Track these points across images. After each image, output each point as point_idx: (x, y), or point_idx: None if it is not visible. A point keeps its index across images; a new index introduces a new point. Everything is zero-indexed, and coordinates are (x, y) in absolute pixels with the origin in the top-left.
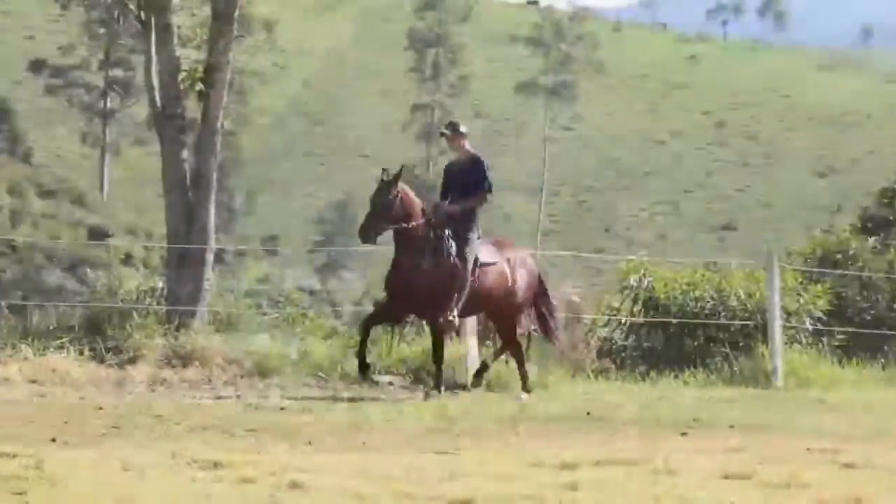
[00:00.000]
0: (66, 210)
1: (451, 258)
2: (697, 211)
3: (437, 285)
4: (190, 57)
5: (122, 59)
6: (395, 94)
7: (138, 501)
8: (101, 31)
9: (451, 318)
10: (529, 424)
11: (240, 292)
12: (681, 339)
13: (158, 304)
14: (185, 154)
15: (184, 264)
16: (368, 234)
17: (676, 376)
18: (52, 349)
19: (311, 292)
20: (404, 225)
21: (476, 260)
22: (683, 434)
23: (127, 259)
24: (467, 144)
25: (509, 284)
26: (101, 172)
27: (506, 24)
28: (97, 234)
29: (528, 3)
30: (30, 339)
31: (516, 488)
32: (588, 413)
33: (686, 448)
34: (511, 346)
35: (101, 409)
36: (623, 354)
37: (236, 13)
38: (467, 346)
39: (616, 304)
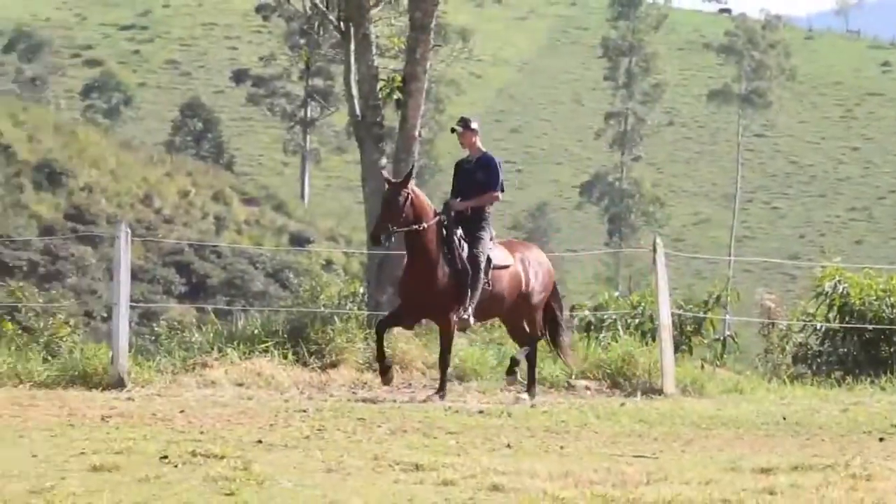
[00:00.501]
0: (268, 217)
1: (462, 259)
2: (892, 217)
3: (449, 286)
4: (388, 66)
5: (322, 68)
6: (588, 103)
7: (342, 503)
8: (302, 41)
9: (465, 316)
10: (726, 429)
11: None
12: (877, 345)
13: (359, 308)
14: (383, 161)
15: (383, 270)
16: (378, 236)
17: (873, 382)
18: (257, 353)
19: None
20: (415, 227)
21: (489, 261)
22: (881, 440)
23: (328, 265)
24: (479, 142)
25: (524, 287)
26: (302, 180)
27: (698, 33)
28: (299, 241)
29: (721, 11)
30: (235, 343)
31: (714, 493)
32: (784, 418)
33: (884, 454)
34: (522, 342)
35: (304, 411)
36: (818, 360)
37: (433, 23)
38: (662, 350)
39: (811, 310)
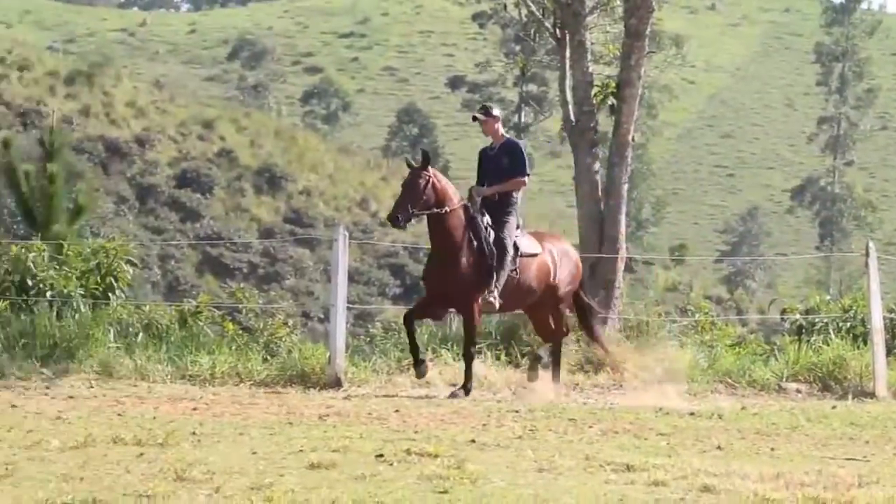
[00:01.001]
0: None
1: (489, 243)
2: None
3: (472, 274)
4: (602, 73)
5: (536, 74)
6: (800, 108)
7: (554, 502)
8: (517, 48)
9: (490, 299)
10: None
11: (649, 300)
12: None
13: (571, 311)
14: (597, 166)
15: (595, 273)
16: (396, 218)
17: None
18: None
19: (718, 301)
20: (436, 210)
21: (516, 248)
22: None
23: None
24: (501, 129)
25: (551, 278)
26: None
27: None
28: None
29: None
30: (449, 345)
31: None
32: None
33: None
34: (550, 340)
35: (516, 411)
36: None
37: (648, 30)
38: (874, 353)
39: None
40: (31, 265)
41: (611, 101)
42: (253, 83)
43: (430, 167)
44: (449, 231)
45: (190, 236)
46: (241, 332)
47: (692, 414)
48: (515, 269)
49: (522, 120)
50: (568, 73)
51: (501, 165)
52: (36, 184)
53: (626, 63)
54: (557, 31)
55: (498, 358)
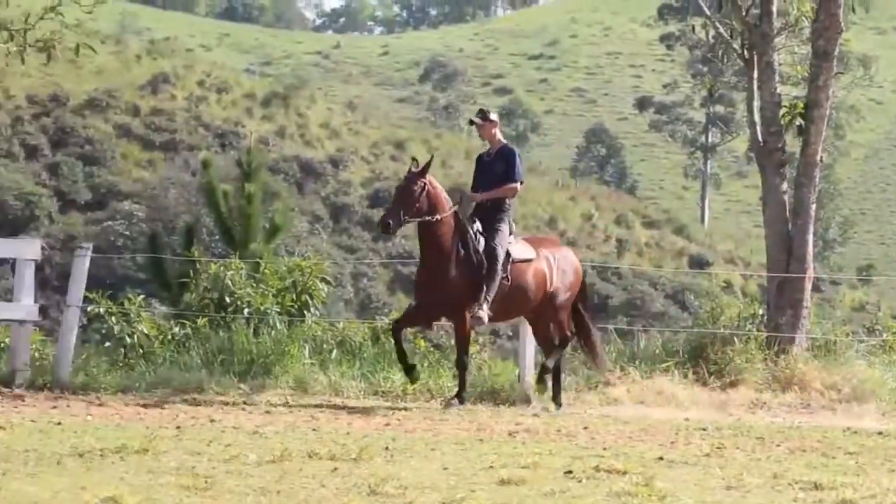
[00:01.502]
0: (668, 240)
1: (478, 252)
2: None
3: (463, 282)
4: (790, 93)
5: (723, 95)
6: None
7: None
8: (704, 69)
9: (479, 314)
10: None
11: (836, 320)
12: None
13: (758, 330)
14: (784, 186)
15: (783, 292)
16: (387, 224)
17: None
18: (657, 372)
19: None
20: (427, 218)
21: (508, 255)
22: None
23: (727, 287)
24: (499, 133)
25: (548, 285)
26: (702, 204)
27: None
28: (698, 263)
29: None
30: (637, 363)
31: None
32: None
33: None
34: (549, 348)
35: (704, 429)
36: None
37: (836, 51)
38: None
39: None
40: (230, 283)
41: (798, 121)
42: (444, 104)
43: (427, 174)
44: (438, 239)
45: (382, 255)
46: (432, 349)
47: (881, 433)
48: (507, 276)
49: (710, 140)
50: (756, 94)
51: (496, 171)
52: (234, 203)
53: (814, 84)
54: (745, 52)
55: (685, 376)
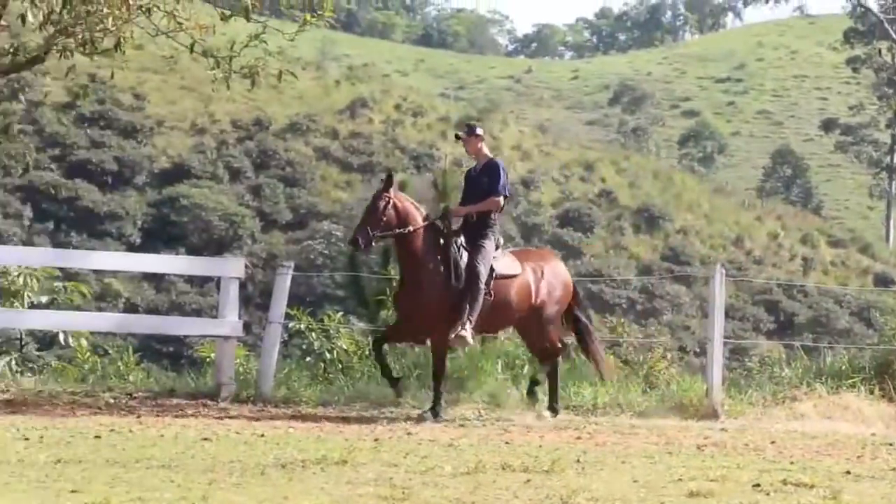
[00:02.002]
0: (853, 258)
1: (458, 267)
2: None
3: (440, 297)
4: None
5: None
6: None
7: None
8: (890, 91)
9: (462, 333)
10: None
11: None
12: None
13: None
14: None
15: None
16: (356, 240)
17: None
18: (843, 388)
19: None
20: (398, 231)
21: (491, 271)
22: None
23: None
24: (485, 148)
25: (534, 298)
26: (886, 223)
27: None
28: (883, 281)
29: None
30: (823, 379)
31: None
32: None
33: None
34: (542, 359)
35: (890, 444)
36: None
37: None
38: None
39: None
40: None
41: None
42: (633, 127)
43: (391, 189)
44: (413, 252)
45: (572, 273)
46: (621, 364)
47: None
48: (490, 292)
49: (895, 161)
50: None
51: (481, 186)
52: None
53: None
54: None
55: (871, 392)
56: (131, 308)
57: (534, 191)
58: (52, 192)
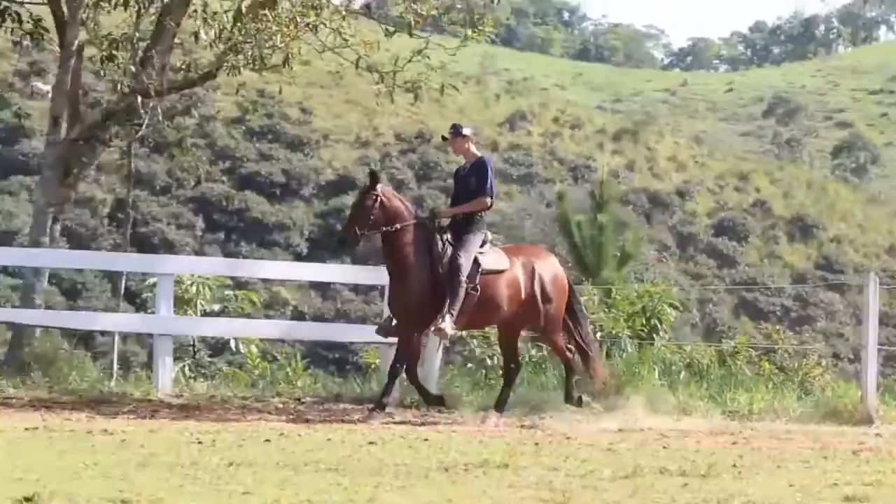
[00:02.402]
0: None
1: (440, 263)
2: None
3: (423, 293)
4: None
5: None
6: None
7: None
8: None
9: (441, 325)
10: None
11: None
12: None
13: None
14: None
15: None
16: (343, 240)
17: None
18: None
19: None
20: (385, 228)
21: (477, 266)
22: None
23: None
24: (472, 147)
25: (523, 294)
26: None
27: None
28: None
29: None
30: None
31: None
32: None
33: None
34: (513, 361)
35: None
36: None
37: None
38: None
39: None
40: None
41: None
42: (786, 138)
43: (378, 186)
44: (400, 249)
45: (727, 281)
46: (776, 371)
47: None
48: (476, 287)
49: None
50: None
51: (470, 185)
52: (587, 233)
53: None
54: None
55: None
56: (299, 315)
57: (689, 201)
58: (223, 203)
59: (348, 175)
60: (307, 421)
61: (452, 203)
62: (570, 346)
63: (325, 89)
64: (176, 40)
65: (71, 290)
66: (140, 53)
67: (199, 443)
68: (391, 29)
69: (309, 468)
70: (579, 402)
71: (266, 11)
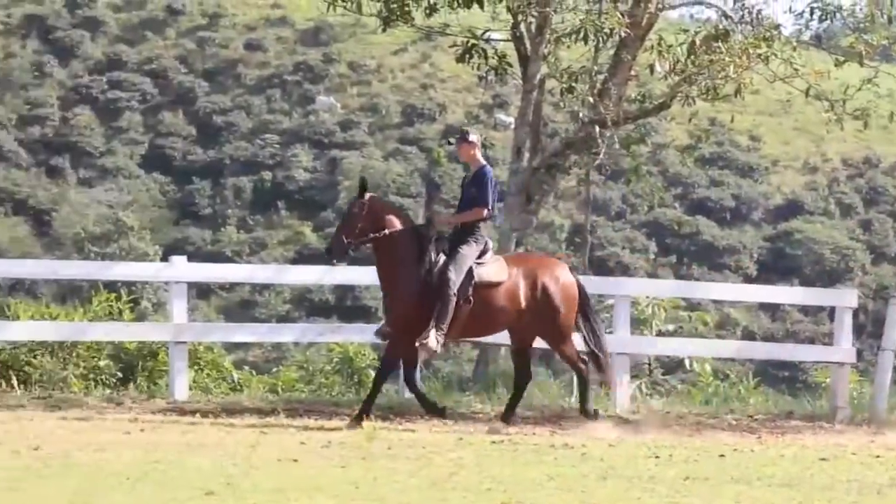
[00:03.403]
0: None
1: (430, 273)
2: None
3: (410, 302)
4: None
5: None
6: None
7: None
8: None
9: (425, 341)
10: None
11: None
12: None
13: None
14: None
15: None
16: (333, 248)
17: None
18: None
19: None
20: (373, 235)
21: (470, 278)
22: None
23: None
24: (478, 154)
25: (522, 305)
26: None
27: None
28: None
29: None
30: None
31: None
32: None
33: None
34: (524, 372)
35: None
36: None
37: None
38: None
39: None
40: None
41: None
42: None
43: (366, 194)
44: (389, 256)
45: None
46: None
47: None
48: (469, 298)
49: None
50: None
51: (471, 194)
52: None
53: None
54: None
55: None
56: (749, 335)
57: None
58: (676, 227)
59: (797, 199)
60: (759, 437)
61: (458, 210)
62: (583, 356)
63: (774, 117)
64: (632, 72)
65: None
66: (598, 85)
67: (657, 457)
68: (841, 59)
69: (762, 483)
70: (595, 416)
71: (719, 43)
